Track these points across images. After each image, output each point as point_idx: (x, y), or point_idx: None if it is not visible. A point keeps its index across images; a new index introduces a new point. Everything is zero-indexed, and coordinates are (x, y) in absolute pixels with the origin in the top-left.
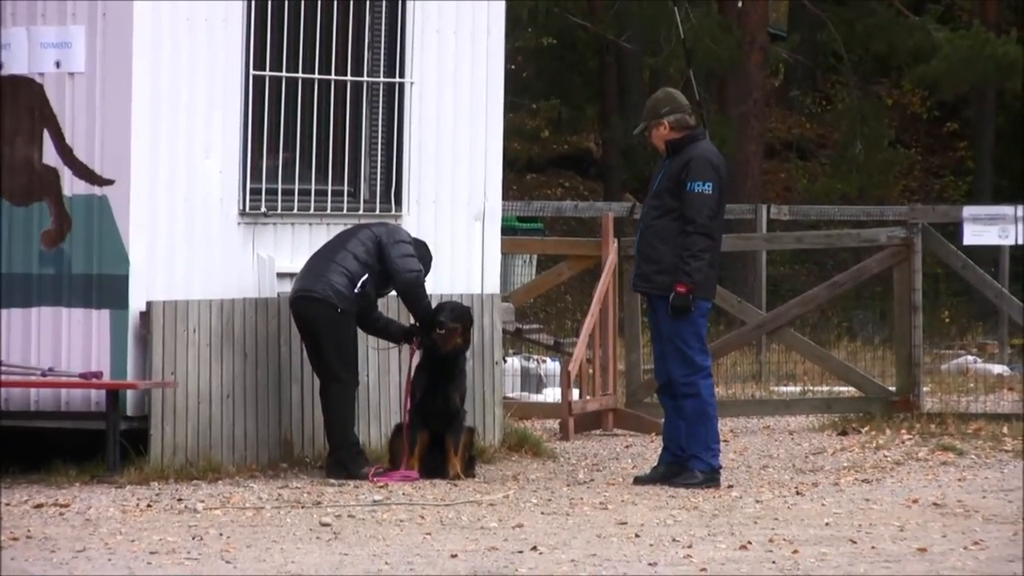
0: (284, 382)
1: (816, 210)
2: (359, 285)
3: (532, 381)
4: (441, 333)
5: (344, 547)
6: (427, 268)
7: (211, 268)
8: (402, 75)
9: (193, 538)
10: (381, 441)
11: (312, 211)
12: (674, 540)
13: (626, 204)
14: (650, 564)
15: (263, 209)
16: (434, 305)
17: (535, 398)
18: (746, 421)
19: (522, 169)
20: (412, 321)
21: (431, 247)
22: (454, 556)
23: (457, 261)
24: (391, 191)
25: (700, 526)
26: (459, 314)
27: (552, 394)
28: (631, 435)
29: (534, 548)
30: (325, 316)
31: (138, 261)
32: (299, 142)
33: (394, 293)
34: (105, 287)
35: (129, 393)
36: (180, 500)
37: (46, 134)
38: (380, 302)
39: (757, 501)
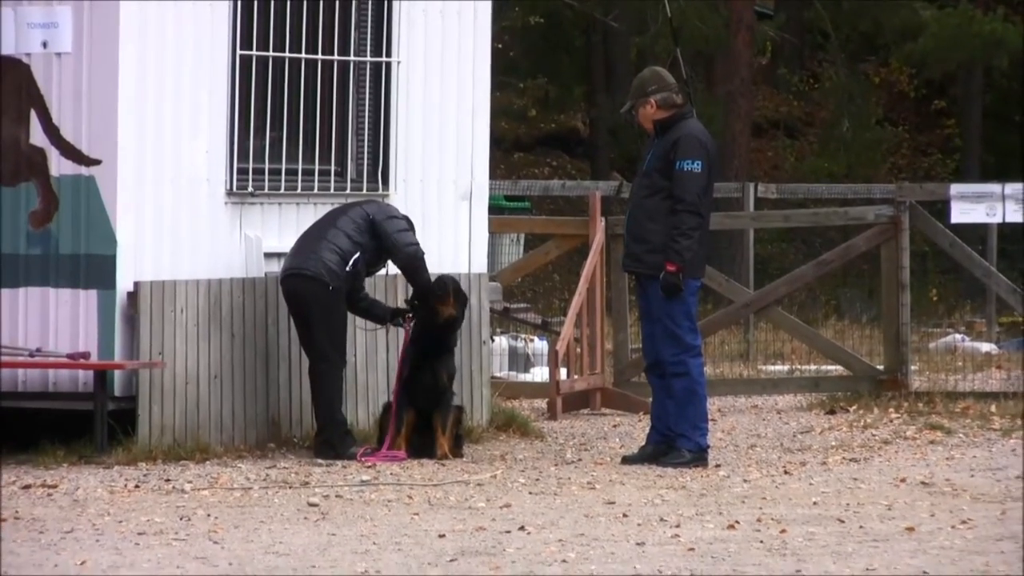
0: (272, 362)
1: (804, 188)
2: (351, 263)
3: (520, 360)
4: (441, 293)
5: (332, 527)
6: None
7: (198, 248)
8: (389, 55)
9: (181, 519)
10: (369, 421)
11: (299, 191)
12: (662, 520)
13: (613, 183)
14: (638, 543)
15: (250, 189)
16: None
17: (523, 378)
18: (734, 400)
19: (509, 148)
20: (405, 300)
21: (418, 227)
22: (442, 536)
23: (444, 241)
24: (378, 170)
25: (688, 506)
26: (456, 285)
27: (540, 373)
28: (619, 415)
29: (522, 528)
30: (316, 294)
31: (125, 241)
32: (286, 122)
33: (381, 273)
34: (93, 267)
35: (117, 374)
36: (168, 481)
37: (33, 115)
38: (367, 282)
39: (745, 480)
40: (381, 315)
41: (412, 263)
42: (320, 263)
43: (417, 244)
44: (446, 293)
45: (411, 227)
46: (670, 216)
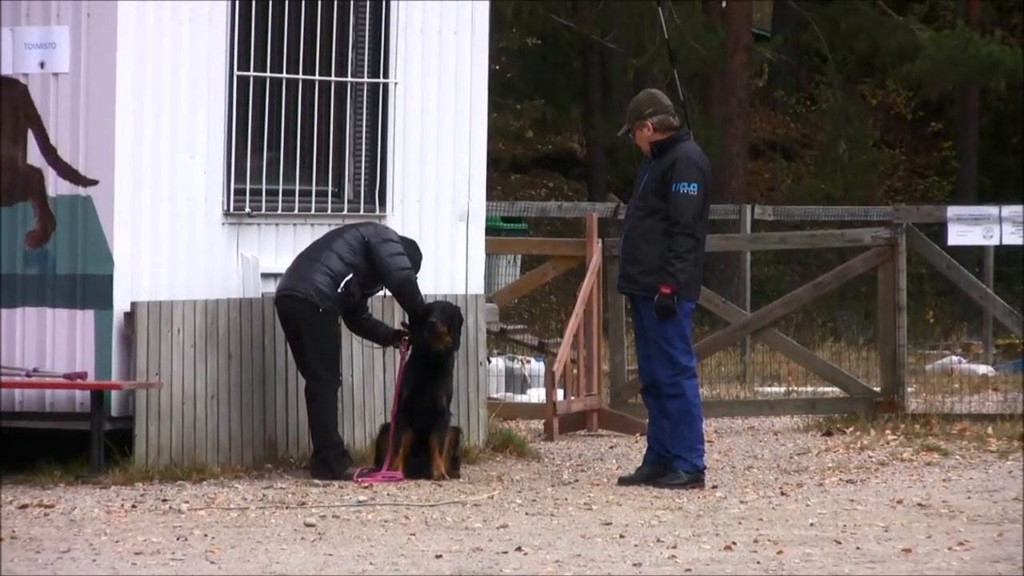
0: (268, 382)
1: (800, 210)
2: (342, 285)
3: (516, 381)
4: (431, 331)
5: (329, 548)
6: (417, 267)
7: (195, 268)
8: (386, 75)
9: (178, 539)
10: (366, 441)
11: (296, 211)
12: (659, 541)
13: (610, 204)
14: (635, 564)
15: (247, 209)
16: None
17: (519, 398)
18: (730, 421)
19: (506, 169)
20: (401, 323)
21: None
22: (439, 557)
23: (441, 261)
24: (375, 191)
25: (685, 527)
26: (449, 314)
27: (536, 394)
28: (615, 435)
29: (519, 549)
30: (306, 315)
31: (122, 261)
32: (283, 142)
33: (382, 293)
34: (89, 287)
35: (114, 393)
36: (165, 501)
37: (30, 134)
38: (368, 302)
39: (742, 502)
40: (384, 336)
41: (403, 287)
42: (310, 284)
43: (410, 269)
44: (435, 329)
45: (414, 249)
46: (665, 238)
